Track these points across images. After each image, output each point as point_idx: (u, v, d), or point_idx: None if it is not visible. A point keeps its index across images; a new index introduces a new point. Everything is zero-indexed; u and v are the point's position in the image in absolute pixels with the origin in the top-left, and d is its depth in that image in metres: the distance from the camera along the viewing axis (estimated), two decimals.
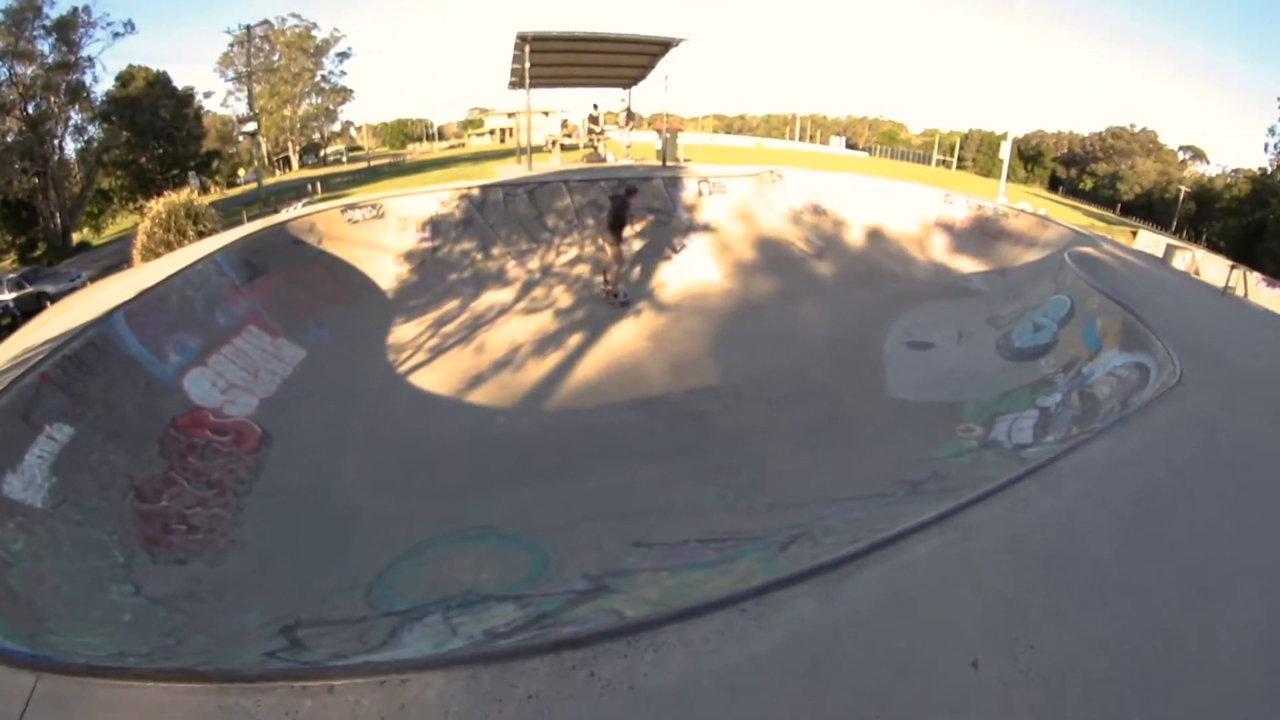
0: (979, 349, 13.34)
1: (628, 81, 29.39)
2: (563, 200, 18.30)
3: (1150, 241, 42.60)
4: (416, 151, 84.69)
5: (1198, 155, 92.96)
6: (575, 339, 13.14)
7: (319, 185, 28.18)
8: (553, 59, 24.74)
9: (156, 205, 19.72)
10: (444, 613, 5.35)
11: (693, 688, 3.04)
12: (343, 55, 75.97)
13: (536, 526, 7.29)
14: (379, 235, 15.39)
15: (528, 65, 22.82)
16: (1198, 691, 3.27)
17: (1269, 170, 65.72)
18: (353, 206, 15.62)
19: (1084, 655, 3.36)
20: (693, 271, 17.27)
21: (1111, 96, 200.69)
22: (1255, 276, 32.86)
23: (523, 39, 21.55)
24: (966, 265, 19.89)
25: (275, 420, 9.20)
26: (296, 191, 26.34)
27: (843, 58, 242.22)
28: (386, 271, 14.79)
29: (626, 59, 26.98)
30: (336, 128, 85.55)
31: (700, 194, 20.80)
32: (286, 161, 75.37)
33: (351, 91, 79.06)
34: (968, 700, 3.09)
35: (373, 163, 63.09)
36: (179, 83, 56.19)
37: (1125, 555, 4.17)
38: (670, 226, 19.29)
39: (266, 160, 61.95)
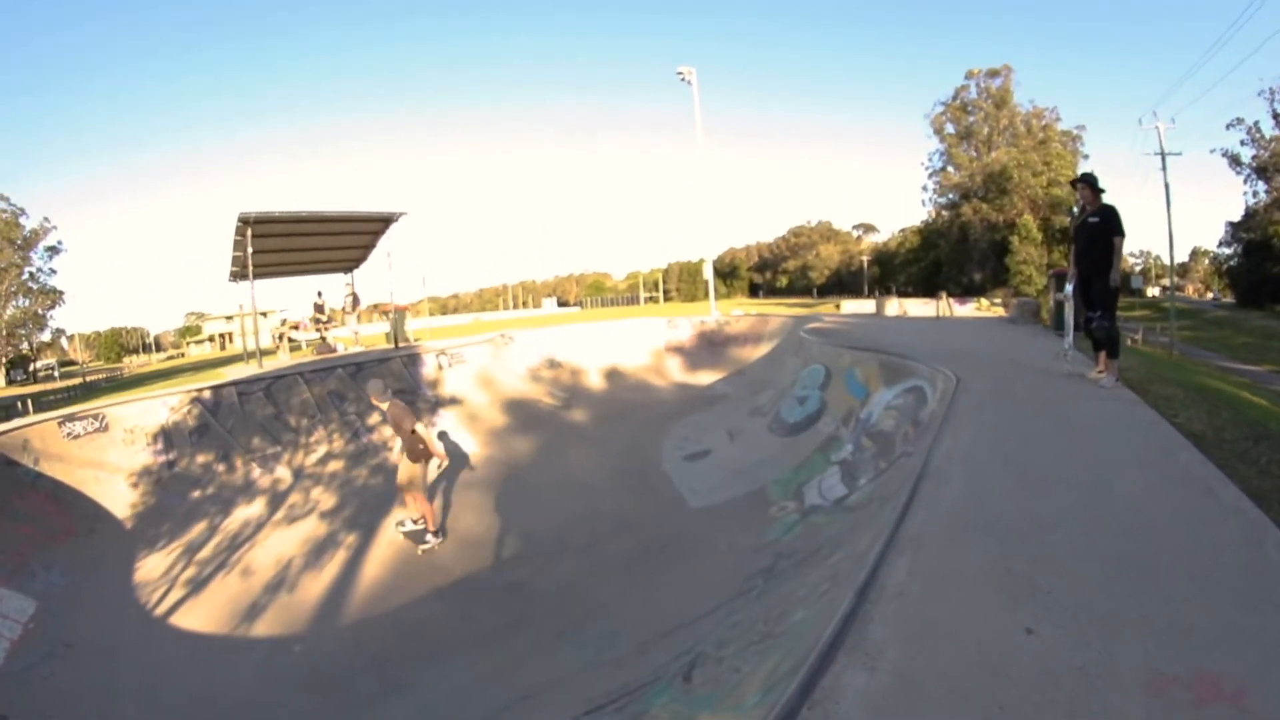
0: (754, 439, 13.72)
1: (350, 264, 28.03)
2: (301, 394, 16.90)
3: (854, 306, 47.79)
4: (134, 364, 77.34)
5: (869, 229, 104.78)
6: (350, 540, 11.76)
7: (30, 404, 24.81)
8: (275, 244, 23.11)
9: None
10: None
11: None
12: (53, 250, 63.88)
13: None
14: (105, 452, 13.09)
15: (250, 251, 21.04)
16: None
17: (930, 217, 79.98)
18: (71, 418, 13.17)
19: (1067, 547, 4.33)
20: (450, 447, 16.40)
21: (788, 201, 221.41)
22: (951, 300, 41.28)
23: (244, 221, 19.87)
24: (705, 377, 20.91)
25: (13, 700, 7.00)
26: (5, 411, 22.86)
27: (545, 222, 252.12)
28: (120, 495, 12.46)
29: (349, 239, 25.87)
30: (46, 337, 72.77)
31: (441, 367, 20.36)
32: None
33: (62, 294, 65.07)
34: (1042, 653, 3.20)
35: (88, 378, 55.67)
36: None
37: (1014, 489, 5.42)
38: (416, 406, 18.41)
39: None
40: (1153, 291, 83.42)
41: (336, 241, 25.93)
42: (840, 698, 2.91)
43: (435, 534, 11.39)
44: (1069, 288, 9.25)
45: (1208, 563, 3.89)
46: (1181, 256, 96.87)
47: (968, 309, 39.62)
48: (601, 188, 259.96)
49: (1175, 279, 59.32)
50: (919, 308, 40.33)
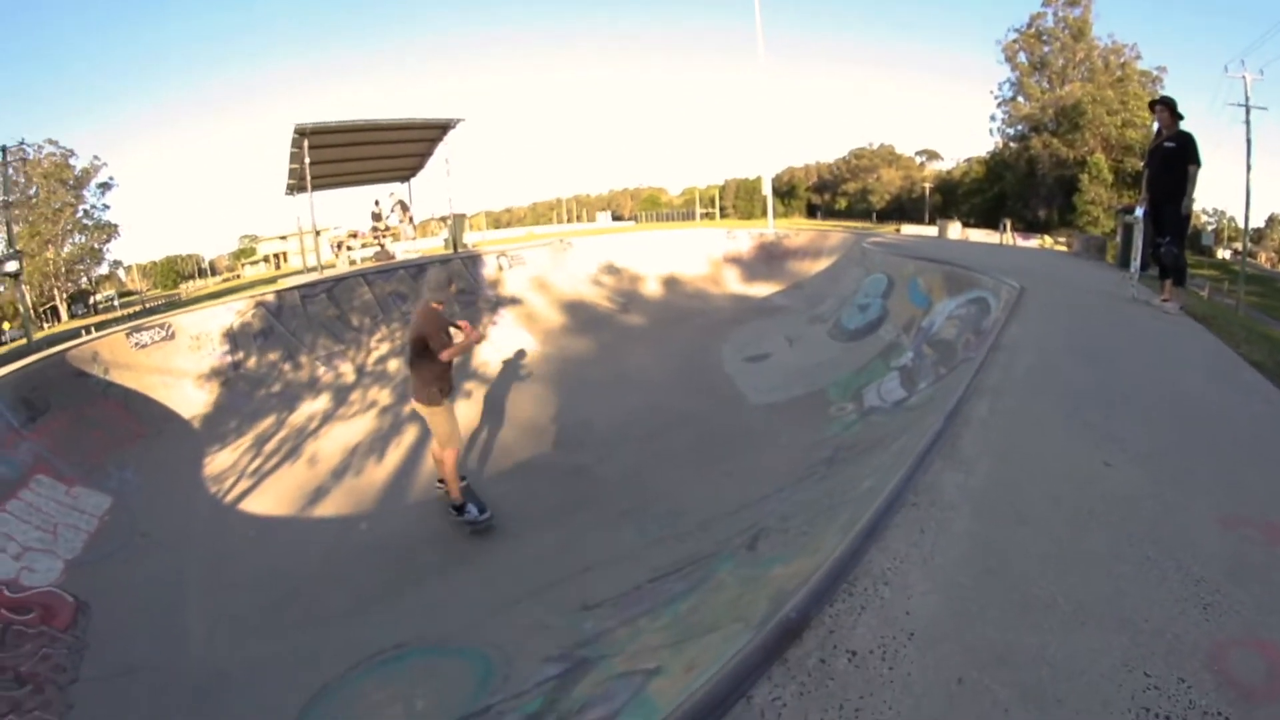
0: (814, 344, 13.70)
1: (407, 173, 28.18)
2: (363, 295, 17.13)
3: (915, 230, 47.19)
4: (191, 289, 78.55)
5: (932, 156, 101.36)
6: (411, 431, 11.91)
7: (94, 331, 25.52)
8: (332, 154, 23.26)
9: None
10: None
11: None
12: (104, 186, 66.49)
13: (457, 628, 6.15)
14: (172, 359, 13.39)
15: (307, 163, 21.26)
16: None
17: (997, 148, 77.04)
18: (138, 329, 13.42)
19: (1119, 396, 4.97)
20: (510, 344, 16.63)
21: (850, 122, 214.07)
22: (1015, 232, 43.60)
23: (301, 133, 20.13)
24: (763, 289, 20.65)
25: (90, 585, 7.18)
26: (72, 338, 23.50)
27: (599, 134, 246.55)
28: (187, 398, 12.82)
29: (406, 147, 25.84)
30: (104, 270, 73.04)
31: (501, 268, 20.52)
32: (54, 312, 64.56)
33: (116, 227, 68.61)
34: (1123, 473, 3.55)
35: (148, 304, 57.16)
36: None
37: (1085, 368, 5.73)
38: (477, 306, 18.59)
39: (32, 312, 53.24)
40: (1223, 254, 79.66)
41: (393, 150, 25.96)
42: (941, 490, 3.17)
43: (461, 509, 8.42)
44: (1139, 211, 9.02)
45: (1271, 450, 4.01)
46: (1257, 221, 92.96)
47: (1031, 243, 39.04)
48: (659, 101, 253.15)
49: (1249, 244, 57.03)
50: (981, 236, 39.85)
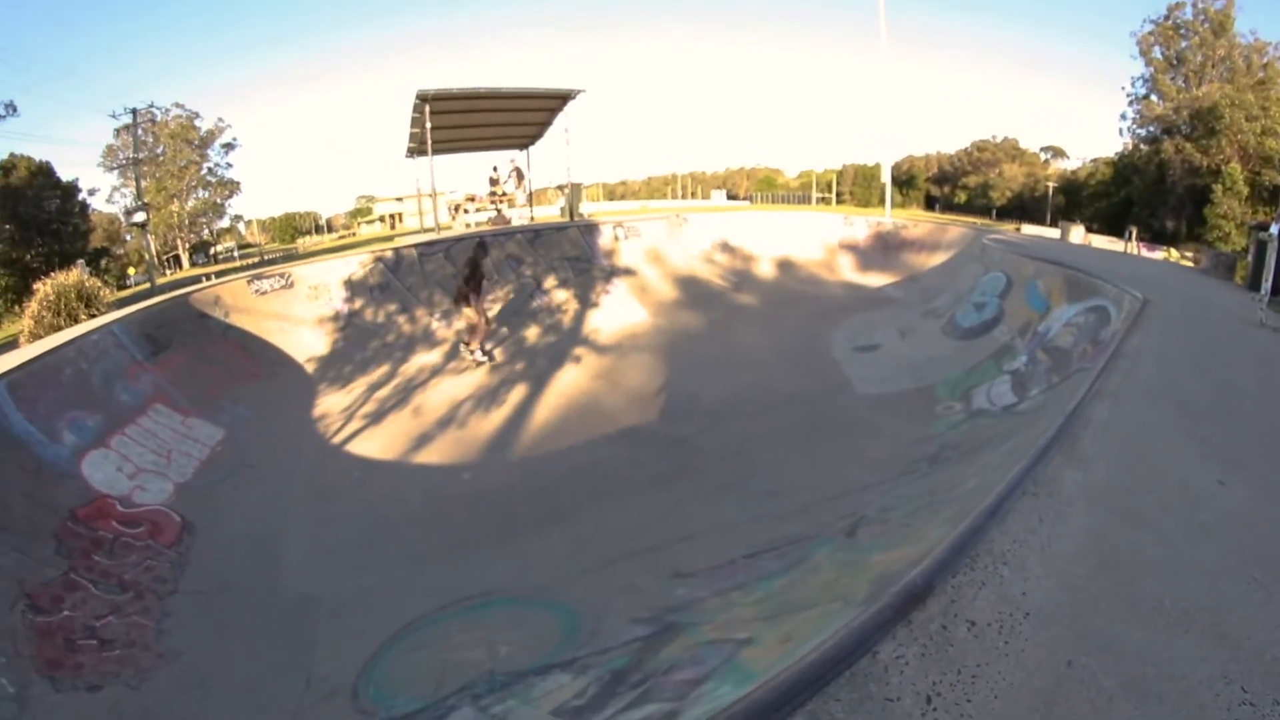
0: (927, 339, 13.46)
1: (526, 141, 28.66)
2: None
3: (1036, 231, 45.61)
4: (307, 243, 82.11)
5: (1058, 153, 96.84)
6: (520, 390, 12.25)
7: (214, 278, 26.79)
8: (452, 120, 23.82)
9: (44, 287, 16.68)
10: (474, 702, 4.39)
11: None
12: (228, 146, 73.45)
13: (548, 582, 6.30)
14: (290, 306, 14.03)
15: (428, 127, 21.89)
16: None
17: (1126, 149, 72.40)
18: (259, 277, 14.18)
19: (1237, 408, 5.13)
20: (621, 314, 16.95)
21: (972, 113, 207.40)
22: (1140, 243, 41.59)
23: (422, 99, 20.69)
24: (876, 279, 20.28)
25: (197, 507, 7.61)
26: (194, 283, 24.84)
27: (717, 112, 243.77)
28: (303, 343, 13.42)
29: (525, 115, 26.28)
30: (225, 223, 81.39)
31: (617, 239, 20.62)
32: (176, 260, 70.01)
33: (239, 184, 75.64)
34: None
35: (266, 257, 60.54)
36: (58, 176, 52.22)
37: (1206, 386, 5.77)
38: (591, 274, 18.82)
39: (156, 259, 57.36)
40: None
41: (513, 118, 26.44)
42: (1060, 485, 3.27)
43: (474, 353, 13.70)
44: (1275, 229, 8.56)
45: None
46: None
47: (1156, 255, 37.63)
48: (780, 81, 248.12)
49: None
50: (1105, 243, 38.65)
